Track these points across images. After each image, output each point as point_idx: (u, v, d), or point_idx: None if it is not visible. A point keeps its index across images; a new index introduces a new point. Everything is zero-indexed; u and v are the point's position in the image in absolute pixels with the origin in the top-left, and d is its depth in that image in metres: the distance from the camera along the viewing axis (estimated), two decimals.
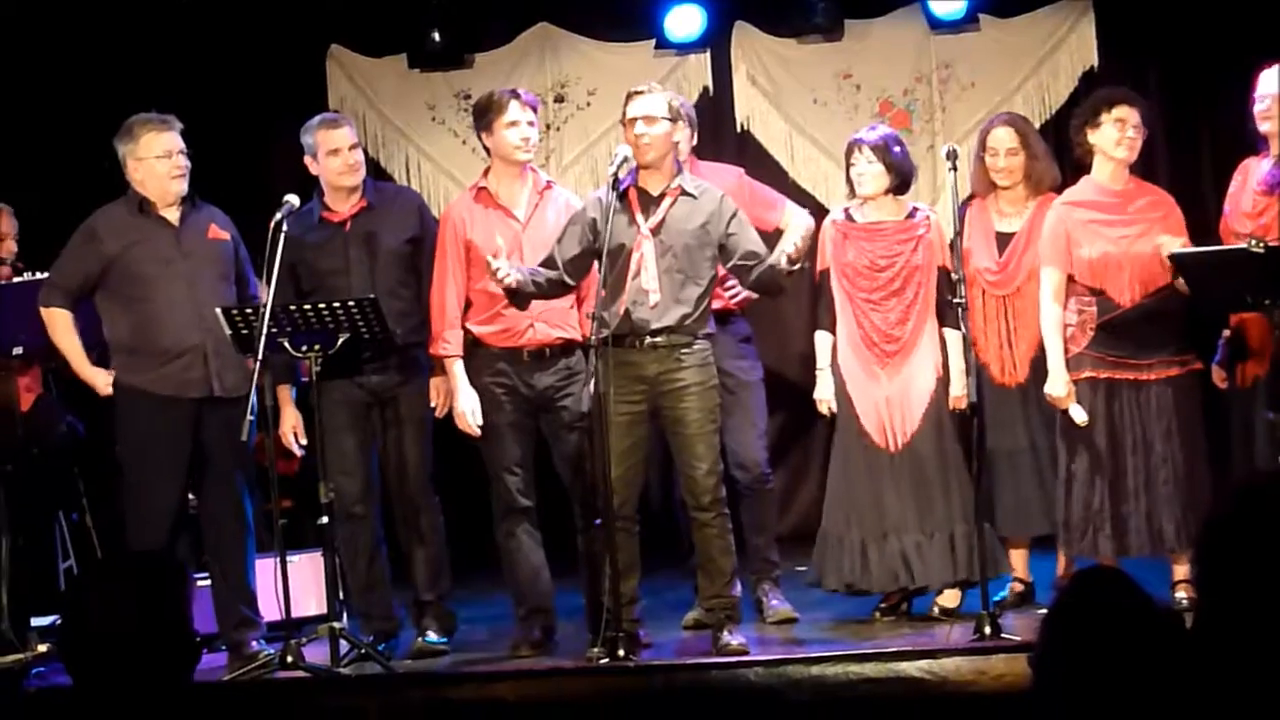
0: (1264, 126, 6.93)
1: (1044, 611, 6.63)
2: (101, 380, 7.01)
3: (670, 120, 6.72)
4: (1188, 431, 7.00)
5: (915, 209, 7.25)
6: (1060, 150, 7.65)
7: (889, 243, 7.15)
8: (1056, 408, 7.06)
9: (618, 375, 6.55)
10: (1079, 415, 7.01)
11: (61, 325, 7.04)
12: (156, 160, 6.99)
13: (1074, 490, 7.06)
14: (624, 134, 6.78)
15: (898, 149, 7.18)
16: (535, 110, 7.18)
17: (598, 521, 6.67)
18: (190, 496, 7.13)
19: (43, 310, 7.05)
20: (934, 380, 7.10)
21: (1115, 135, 7.06)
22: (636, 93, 6.75)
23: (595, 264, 6.72)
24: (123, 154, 7.04)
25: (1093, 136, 7.11)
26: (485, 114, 7.12)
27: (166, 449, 6.96)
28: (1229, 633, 2.96)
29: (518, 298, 6.67)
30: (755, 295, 7.09)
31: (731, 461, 7.15)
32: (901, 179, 7.17)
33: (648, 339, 6.62)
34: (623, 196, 6.67)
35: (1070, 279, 7.06)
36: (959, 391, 7.04)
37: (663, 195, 6.71)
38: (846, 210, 7.30)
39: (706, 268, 6.71)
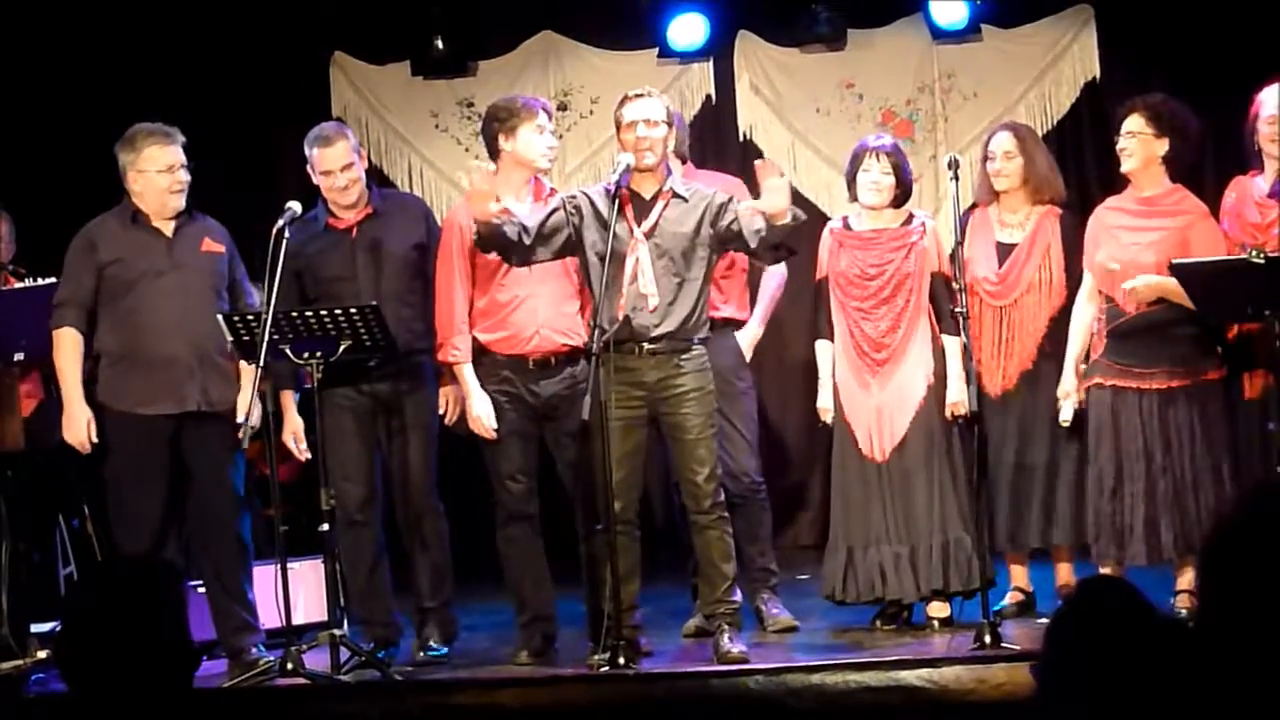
0: (1270, 148, 6.91)
1: (1044, 621, 6.62)
2: (79, 431, 6.93)
3: (667, 124, 6.74)
4: (1195, 442, 6.94)
5: (912, 215, 7.24)
6: (1063, 160, 7.64)
7: (880, 251, 7.15)
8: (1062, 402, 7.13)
9: (617, 380, 6.56)
10: (1065, 414, 7.09)
11: (67, 348, 6.96)
12: (157, 174, 6.98)
13: (1087, 497, 7.08)
14: (619, 136, 6.78)
15: (904, 160, 7.20)
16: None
17: (599, 527, 6.66)
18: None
19: (54, 332, 6.98)
20: (924, 389, 7.09)
21: (1118, 145, 7.10)
22: (635, 95, 6.77)
23: (568, 259, 6.81)
24: (124, 163, 7.02)
25: None
26: (511, 118, 7.09)
27: (145, 466, 6.95)
28: (1233, 642, 2.96)
29: (484, 240, 6.65)
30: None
31: (722, 471, 7.13)
32: (904, 191, 7.19)
33: (647, 345, 6.62)
34: (616, 199, 6.65)
35: None
36: (955, 397, 7.03)
37: (655, 198, 6.72)
38: (845, 219, 7.30)
39: (701, 269, 6.71)
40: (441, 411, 7.16)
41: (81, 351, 6.98)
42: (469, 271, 7.03)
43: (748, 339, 7.36)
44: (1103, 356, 7.04)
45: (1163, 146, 7.03)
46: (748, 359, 7.32)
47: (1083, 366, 7.14)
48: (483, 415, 6.95)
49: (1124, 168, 7.11)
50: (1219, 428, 7.00)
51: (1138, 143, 7.04)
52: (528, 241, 6.66)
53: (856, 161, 7.17)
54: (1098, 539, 7.04)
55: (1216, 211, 7.12)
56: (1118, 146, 7.11)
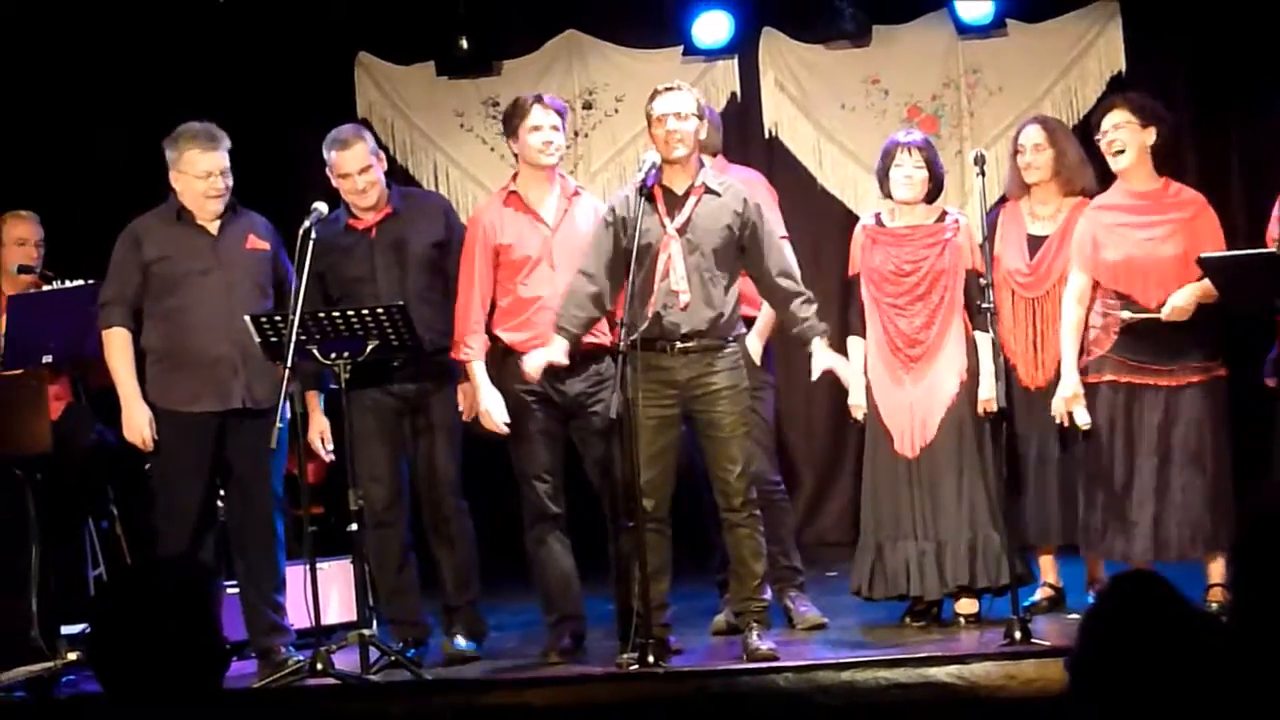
0: None
1: (1074, 616, 6.61)
2: (140, 428, 6.97)
3: (698, 118, 6.72)
4: (1208, 438, 6.94)
5: (945, 212, 7.23)
6: (1088, 155, 7.62)
7: (915, 247, 7.13)
8: (1065, 408, 7.06)
9: (648, 379, 6.54)
10: (1082, 418, 7.05)
11: (119, 347, 7.00)
12: (195, 179, 7.00)
13: (1093, 491, 7.06)
14: (650, 130, 6.77)
15: (935, 155, 7.19)
16: (561, 115, 7.15)
17: (629, 523, 6.65)
18: (220, 504, 7.17)
19: (103, 332, 7.02)
20: (957, 385, 7.06)
21: (1104, 143, 7.08)
22: (666, 89, 6.76)
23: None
24: (169, 159, 7.06)
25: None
26: (510, 119, 7.14)
27: (191, 464, 6.98)
28: (1267, 636, 2.95)
29: (576, 348, 6.74)
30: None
31: None
32: (936, 185, 7.17)
33: (679, 344, 6.61)
34: (648, 195, 6.65)
35: (1096, 283, 7.05)
36: (987, 394, 7.01)
37: (688, 194, 6.70)
38: (877, 215, 7.29)
39: (732, 266, 6.70)
40: (460, 408, 7.16)
41: (132, 350, 7.02)
42: (490, 272, 7.03)
43: (755, 341, 7.25)
44: (1111, 353, 7.02)
45: (1150, 135, 7.03)
46: (757, 361, 7.22)
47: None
48: (491, 410, 6.94)
49: (1118, 165, 7.07)
50: (1226, 423, 7.01)
51: (1128, 133, 7.01)
52: (596, 289, 6.67)
53: (888, 158, 7.15)
54: (1104, 534, 7.02)
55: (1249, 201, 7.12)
56: (1105, 143, 7.06)
